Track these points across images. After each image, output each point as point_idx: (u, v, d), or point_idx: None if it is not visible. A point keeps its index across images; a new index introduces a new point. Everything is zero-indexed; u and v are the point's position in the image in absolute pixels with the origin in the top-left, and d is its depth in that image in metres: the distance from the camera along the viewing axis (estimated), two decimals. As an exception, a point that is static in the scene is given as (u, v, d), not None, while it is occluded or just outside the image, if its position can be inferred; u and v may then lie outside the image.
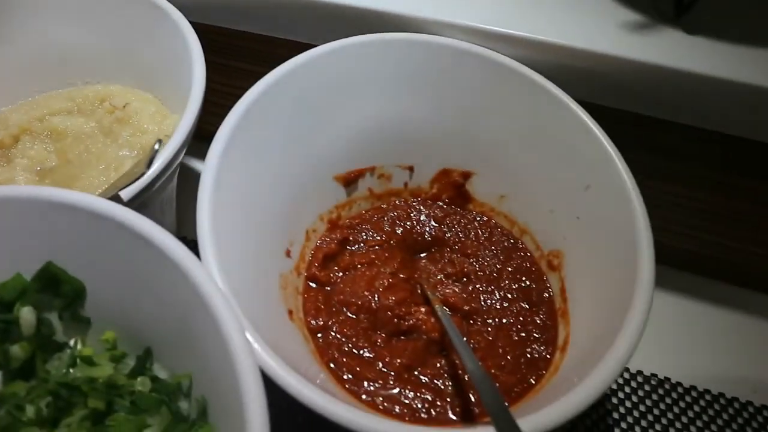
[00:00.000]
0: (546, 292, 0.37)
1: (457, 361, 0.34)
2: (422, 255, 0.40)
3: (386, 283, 0.37)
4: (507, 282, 0.38)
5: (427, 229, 0.41)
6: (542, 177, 0.38)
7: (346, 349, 0.34)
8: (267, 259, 0.34)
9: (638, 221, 0.31)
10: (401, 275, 0.38)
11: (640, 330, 0.27)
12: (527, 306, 0.37)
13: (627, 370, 0.41)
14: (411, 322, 0.35)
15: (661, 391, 0.40)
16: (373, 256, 0.39)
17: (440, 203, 0.42)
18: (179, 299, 0.28)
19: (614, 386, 0.40)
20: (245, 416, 0.23)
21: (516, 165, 0.39)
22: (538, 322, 0.36)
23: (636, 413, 0.39)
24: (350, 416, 0.25)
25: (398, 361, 0.34)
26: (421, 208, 0.42)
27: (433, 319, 0.35)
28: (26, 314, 0.30)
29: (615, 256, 0.32)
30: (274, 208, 0.36)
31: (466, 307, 0.36)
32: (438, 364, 0.34)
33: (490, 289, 0.37)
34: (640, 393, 0.40)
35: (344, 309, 0.36)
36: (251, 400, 0.24)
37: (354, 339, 0.35)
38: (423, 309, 0.36)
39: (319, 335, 0.35)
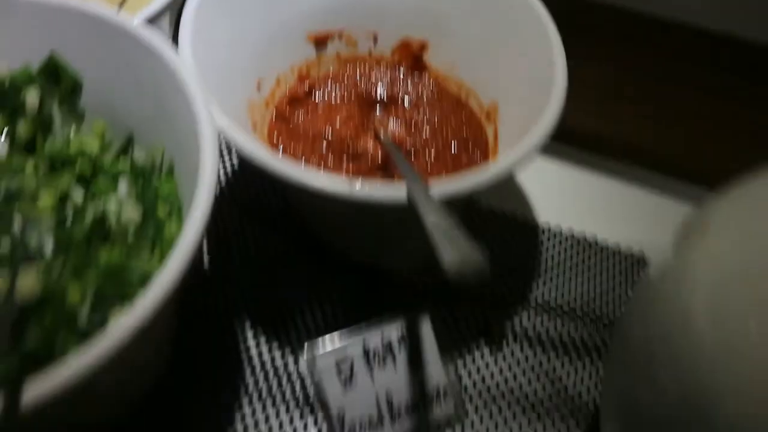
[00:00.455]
0: (482, 139, 0.43)
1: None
2: (377, 109, 0.46)
3: (342, 118, 0.43)
4: (449, 131, 0.43)
5: (385, 89, 0.46)
6: (487, 46, 0.44)
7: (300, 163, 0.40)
8: (239, 80, 0.40)
9: (558, 75, 0.37)
10: (356, 118, 0.44)
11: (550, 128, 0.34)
12: (465, 149, 0.42)
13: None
14: (360, 149, 0.41)
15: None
16: (334, 104, 0.45)
17: (400, 68, 0.48)
18: (158, 86, 0.34)
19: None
20: (200, 167, 0.29)
21: (467, 36, 0.45)
22: (473, 158, 0.42)
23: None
24: (283, 168, 0.31)
25: (344, 175, 0.40)
26: (382, 71, 0.47)
27: (380, 149, 0.41)
28: (31, 95, 0.36)
29: (538, 105, 0.38)
30: (250, 46, 0.41)
31: (410, 144, 0.42)
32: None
33: (433, 134, 0.43)
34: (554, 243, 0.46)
35: (302, 136, 0.42)
36: (207, 157, 0.30)
37: (306, 156, 0.41)
38: (371, 140, 0.42)
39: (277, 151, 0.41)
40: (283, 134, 0.42)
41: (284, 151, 0.41)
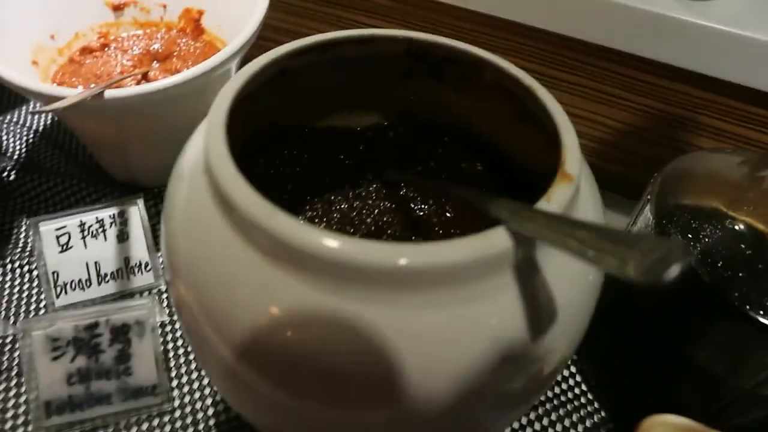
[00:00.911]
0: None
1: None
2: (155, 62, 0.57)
3: (131, 64, 0.54)
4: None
5: (164, 47, 0.58)
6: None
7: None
8: (26, 25, 0.52)
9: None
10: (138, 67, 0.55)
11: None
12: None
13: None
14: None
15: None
16: (126, 56, 0.56)
17: (186, 32, 0.59)
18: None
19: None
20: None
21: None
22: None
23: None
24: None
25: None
26: (169, 34, 0.59)
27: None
28: None
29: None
30: (45, 5, 0.53)
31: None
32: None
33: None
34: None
35: (89, 76, 0.53)
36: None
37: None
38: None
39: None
40: (66, 76, 0.53)
41: (61, 84, 0.52)
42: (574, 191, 0.24)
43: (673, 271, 0.15)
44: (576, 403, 0.41)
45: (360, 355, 0.22)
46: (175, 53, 0.57)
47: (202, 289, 0.25)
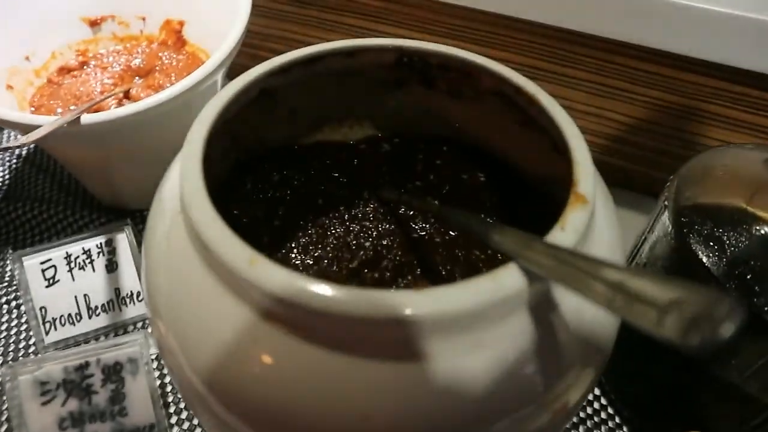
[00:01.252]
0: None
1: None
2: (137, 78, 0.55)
3: (111, 82, 0.52)
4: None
5: (145, 61, 0.55)
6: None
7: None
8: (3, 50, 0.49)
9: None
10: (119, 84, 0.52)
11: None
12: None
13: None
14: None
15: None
16: (100, 75, 0.54)
17: (167, 45, 0.57)
18: None
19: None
20: None
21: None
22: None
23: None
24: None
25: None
26: (144, 47, 0.56)
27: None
28: None
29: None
30: (18, 26, 0.51)
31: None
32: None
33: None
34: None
35: (68, 98, 0.51)
36: None
37: (63, 113, 0.50)
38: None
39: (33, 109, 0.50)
40: (44, 98, 0.51)
41: (39, 108, 0.50)
42: (589, 215, 0.22)
43: (725, 331, 0.13)
44: (604, 428, 0.39)
45: (363, 410, 0.20)
46: (158, 68, 0.55)
47: (183, 334, 0.23)
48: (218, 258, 0.21)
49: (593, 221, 0.23)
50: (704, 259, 0.29)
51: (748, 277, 0.28)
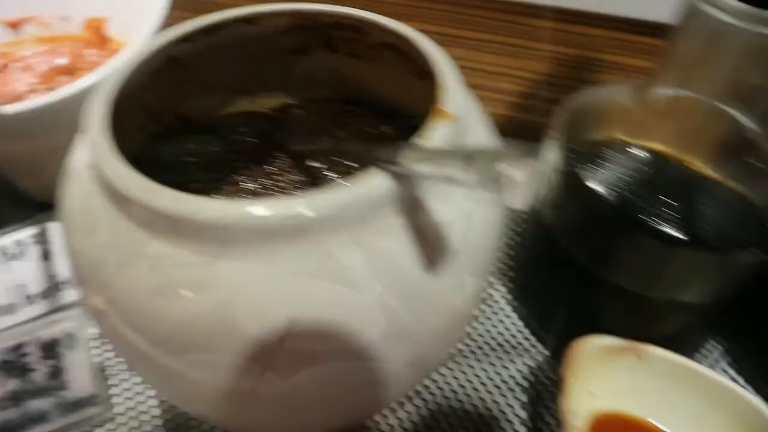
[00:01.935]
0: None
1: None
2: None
3: (37, 81, 0.53)
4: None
5: (71, 60, 0.56)
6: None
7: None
8: None
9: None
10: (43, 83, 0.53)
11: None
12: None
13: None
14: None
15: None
16: (31, 74, 0.55)
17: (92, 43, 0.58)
18: None
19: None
20: None
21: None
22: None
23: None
24: None
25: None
26: (74, 47, 0.57)
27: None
28: None
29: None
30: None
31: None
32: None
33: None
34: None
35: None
36: None
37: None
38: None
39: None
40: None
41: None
42: (450, 130, 0.24)
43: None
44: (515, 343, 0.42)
45: (262, 312, 0.22)
46: (83, 66, 0.56)
47: (108, 284, 0.25)
48: (115, 187, 0.22)
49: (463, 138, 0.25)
50: (589, 183, 0.32)
51: (625, 187, 0.32)
